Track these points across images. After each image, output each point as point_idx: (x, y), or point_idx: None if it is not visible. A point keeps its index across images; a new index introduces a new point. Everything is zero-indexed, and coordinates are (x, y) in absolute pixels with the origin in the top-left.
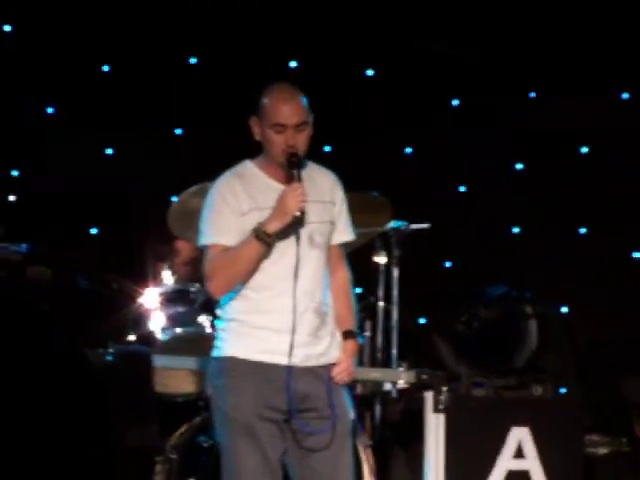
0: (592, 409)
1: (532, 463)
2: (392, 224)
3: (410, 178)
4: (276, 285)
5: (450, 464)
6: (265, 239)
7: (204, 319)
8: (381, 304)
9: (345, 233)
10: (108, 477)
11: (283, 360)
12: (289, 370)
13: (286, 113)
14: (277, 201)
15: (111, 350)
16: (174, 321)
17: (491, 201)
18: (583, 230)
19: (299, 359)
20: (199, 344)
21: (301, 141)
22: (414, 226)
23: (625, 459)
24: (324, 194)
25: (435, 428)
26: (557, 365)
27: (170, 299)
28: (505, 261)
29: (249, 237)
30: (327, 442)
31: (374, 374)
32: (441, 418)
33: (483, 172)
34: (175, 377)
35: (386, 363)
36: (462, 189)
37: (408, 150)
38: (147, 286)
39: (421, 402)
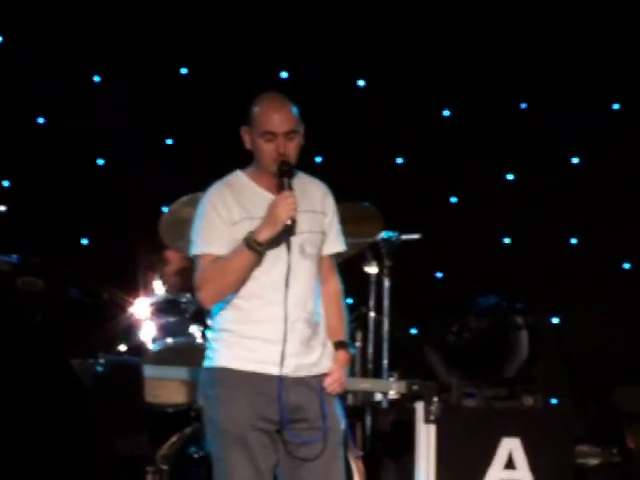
0: (583, 419)
1: (523, 474)
2: (383, 234)
3: (401, 188)
4: (267, 294)
5: (441, 475)
6: (256, 248)
7: (195, 329)
8: (372, 314)
9: (336, 244)
10: None
11: (274, 370)
12: (280, 380)
13: (276, 121)
14: (268, 210)
15: (102, 360)
16: (165, 331)
17: (482, 212)
18: (574, 241)
19: (290, 369)
20: (190, 354)
21: (291, 149)
22: (405, 236)
23: (616, 470)
24: (315, 204)
25: (426, 439)
26: (548, 376)
27: (161, 309)
28: (496, 272)
29: (240, 246)
30: (318, 452)
31: (365, 384)
32: (432, 429)
33: (474, 183)
34: (166, 387)
35: (377, 373)
36: (453, 200)
37: (399, 160)
38: (138, 296)
39: (412, 413)
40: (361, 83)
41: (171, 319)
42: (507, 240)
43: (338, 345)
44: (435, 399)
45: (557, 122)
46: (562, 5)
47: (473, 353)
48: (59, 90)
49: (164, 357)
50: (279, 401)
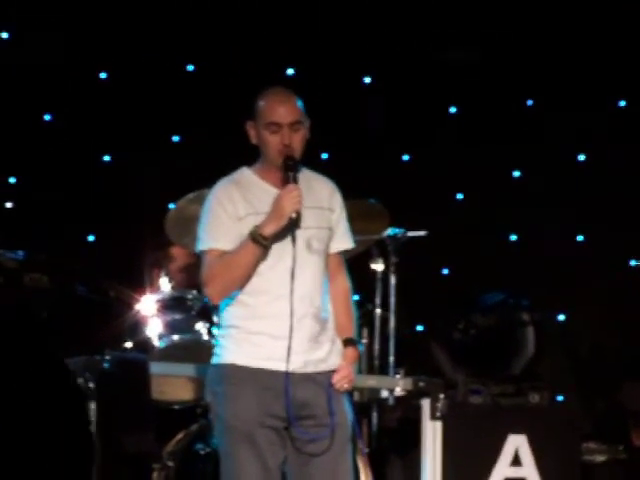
0: (589, 417)
1: (529, 471)
2: (389, 231)
3: (407, 185)
4: (273, 289)
5: (447, 472)
6: (261, 242)
7: (201, 326)
8: (378, 311)
9: (344, 241)
10: None
11: (281, 366)
12: (287, 376)
13: (281, 112)
14: (273, 203)
15: (108, 357)
16: (171, 328)
17: (488, 208)
18: (580, 238)
19: (297, 365)
20: (196, 351)
21: (297, 141)
22: (411, 233)
23: (622, 467)
24: (322, 201)
25: (432, 435)
26: (554, 372)
27: (167, 306)
28: (502, 268)
29: (245, 240)
30: (325, 448)
31: (371, 381)
32: (438, 425)
33: (481, 179)
34: (172, 384)
35: (383, 370)
36: (459, 196)
37: (405, 157)
38: (144, 293)
39: (418, 409)
40: (367, 80)
41: (177, 316)
42: (513, 237)
43: (347, 342)
44: (441, 396)
45: (563, 119)
46: (569, 2)
47: (479, 350)
48: (65, 87)
49: (170, 354)
50: (286, 397)
